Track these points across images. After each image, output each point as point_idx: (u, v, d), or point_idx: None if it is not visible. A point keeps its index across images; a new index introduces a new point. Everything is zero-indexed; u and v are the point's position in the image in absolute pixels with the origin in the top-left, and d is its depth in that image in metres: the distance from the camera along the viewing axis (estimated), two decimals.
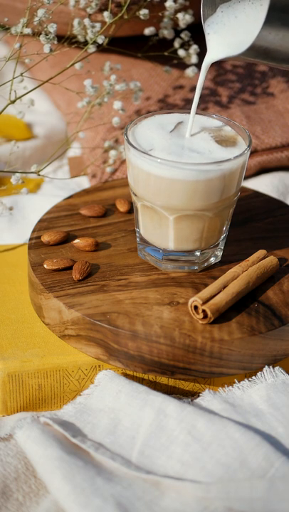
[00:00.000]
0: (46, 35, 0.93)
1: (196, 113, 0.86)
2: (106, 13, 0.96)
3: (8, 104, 0.95)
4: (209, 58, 0.82)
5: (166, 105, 1.09)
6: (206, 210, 0.82)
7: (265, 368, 0.81)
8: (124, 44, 1.08)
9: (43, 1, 0.92)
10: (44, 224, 0.91)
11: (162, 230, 0.84)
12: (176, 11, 1.03)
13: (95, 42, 0.97)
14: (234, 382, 0.82)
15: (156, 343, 0.78)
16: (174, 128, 0.84)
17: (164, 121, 0.86)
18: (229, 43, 0.80)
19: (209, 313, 0.79)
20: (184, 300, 0.82)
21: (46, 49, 0.93)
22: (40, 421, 0.77)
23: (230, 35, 0.81)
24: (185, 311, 0.81)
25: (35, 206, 1.03)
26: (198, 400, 0.80)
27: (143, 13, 0.98)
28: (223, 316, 0.80)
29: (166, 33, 1.04)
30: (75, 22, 0.97)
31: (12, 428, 0.77)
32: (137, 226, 0.87)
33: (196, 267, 0.85)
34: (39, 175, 0.98)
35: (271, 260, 0.85)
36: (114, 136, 1.07)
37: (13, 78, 0.94)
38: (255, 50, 0.77)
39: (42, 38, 0.93)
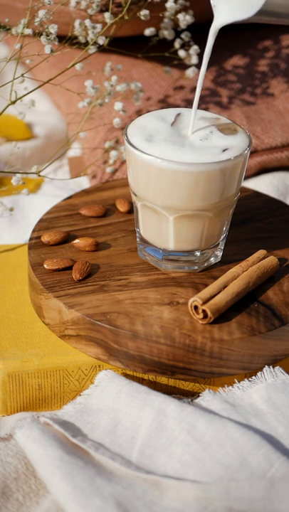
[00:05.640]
0: (47, 35, 0.93)
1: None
2: (107, 14, 0.96)
3: (9, 104, 0.95)
4: (217, 23, 0.81)
5: (166, 105, 1.09)
6: (206, 210, 0.82)
7: (265, 368, 0.81)
8: (125, 44, 1.09)
9: (44, 1, 0.92)
10: (44, 224, 0.91)
11: (162, 230, 0.84)
12: (177, 12, 1.03)
13: (95, 43, 0.97)
14: (234, 382, 0.82)
15: (156, 343, 0.78)
16: (174, 119, 0.84)
17: (163, 114, 0.85)
18: (236, 8, 0.79)
19: (209, 313, 0.79)
20: (184, 300, 0.82)
21: (47, 50, 0.93)
22: (40, 421, 0.77)
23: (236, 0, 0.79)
24: (185, 311, 0.81)
25: (35, 206, 1.03)
26: (198, 400, 0.80)
27: (143, 13, 0.98)
28: (223, 316, 0.80)
29: (167, 33, 1.04)
30: (76, 23, 0.97)
31: (12, 428, 0.77)
32: (137, 226, 0.87)
33: (196, 267, 0.85)
34: (39, 175, 0.98)
35: (271, 260, 0.85)
36: (114, 136, 1.07)
37: (14, 79, 0.94)
38: (265, 14, 0.75)
39: (43, 38, 0.93)
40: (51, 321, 0.83)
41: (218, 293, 0.81)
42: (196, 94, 0.84)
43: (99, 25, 0.96)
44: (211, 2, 0.81)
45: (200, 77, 0.84)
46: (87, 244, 0.88)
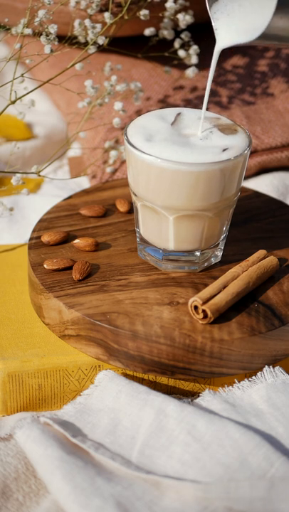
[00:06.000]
0: (47, 35, 0.93)
1: (193, 108, 0.86)
2: (106, 14, 0.96)
3: (9, 104, 0.95)
4: (219, 47, 0.81)
5: (166, 105, 1.09)
6: (206, 210, 0.82)
7: (265, 368, 0.81)
8: (125, 44, 1.09)
9: (44, 1, 0.92)
10: (44, 224, 0.91)
11: (162, 230, 0.84)
12: (177, 12, 1.03)
13: (95, 42, 0.97)
14: (234, 382, 0.82)
15: (156, 343, 0.78)
16: (174, 119, 0.84)
17: (163, 114, 0.85)
18: (237, 31, 0.79)
19: (209, 313, 0.79)
20: (184, 300, 0.82)
21: (47, 50, 0.93)
22: (40, 421, 0.77)
23: (237, 23, 0.79)
24: (185, 311, 0.81)
25: (35, 206, 1.03)
26: (198, 400, 0.80)
27: (143, 13, 0.98)
28: (223, 316, 0.80)
29: (167, 33, 1.04)
30: (76, 23, 0.97)
31: (12, 428, 0.77)
32: (137, 226, 0.87)
33: (196, 267, 0.85)
34: (39, 175, 0.98)
35: (271, 260, 0.85)
36: (114, 136, 1.07)
37: (14, 79, 0.94)
38: (267, 38, 0.76)
39: (43, 38, 0.93)
40: (51, 321, 0.83)
41: (218, 293, 0.81)
42: (204, 103, 0.84)
43: (99, 25, 0.96)
44: (213, 25, 0.81)
45: (207, 90, 0.84)
46: (87, 244, 0.88)
